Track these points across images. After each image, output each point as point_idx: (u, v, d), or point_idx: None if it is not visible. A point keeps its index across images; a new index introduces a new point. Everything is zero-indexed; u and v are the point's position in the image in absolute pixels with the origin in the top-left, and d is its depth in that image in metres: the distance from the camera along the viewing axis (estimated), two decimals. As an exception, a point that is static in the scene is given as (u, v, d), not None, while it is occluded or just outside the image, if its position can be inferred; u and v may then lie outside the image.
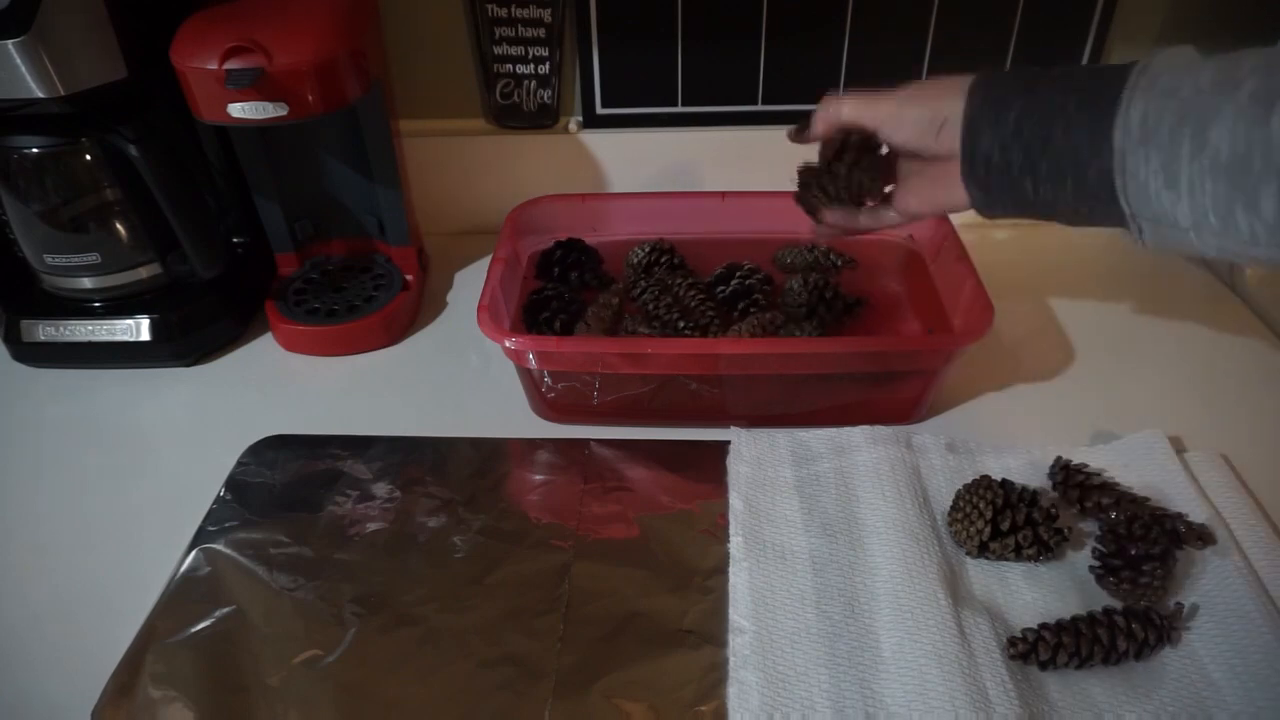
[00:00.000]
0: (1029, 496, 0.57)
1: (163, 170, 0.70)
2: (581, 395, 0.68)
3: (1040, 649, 0.50)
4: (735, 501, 0.61)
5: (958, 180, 0.54)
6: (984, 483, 0.58)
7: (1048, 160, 0.49)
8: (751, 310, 0.74)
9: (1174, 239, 0.48)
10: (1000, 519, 0.56)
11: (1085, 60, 0.85)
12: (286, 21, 0.65)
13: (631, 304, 0.76)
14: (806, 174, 0.63)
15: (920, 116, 0.55)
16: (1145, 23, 0.83)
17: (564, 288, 0.77)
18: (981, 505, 0.57)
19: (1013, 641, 0.51)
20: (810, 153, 0.64)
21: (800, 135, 0.63)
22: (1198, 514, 0.58)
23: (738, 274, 0.76)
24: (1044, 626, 0.51)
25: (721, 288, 0.76)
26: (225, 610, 0.57)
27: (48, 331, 0.76)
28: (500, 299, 0.71)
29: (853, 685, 0.50)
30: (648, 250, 0.79)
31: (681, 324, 0.71)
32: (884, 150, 0.60)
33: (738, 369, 0.66)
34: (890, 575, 0.56)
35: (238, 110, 0.64)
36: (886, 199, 0.62)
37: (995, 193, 0.53)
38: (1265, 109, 0.42)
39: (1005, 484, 0.58)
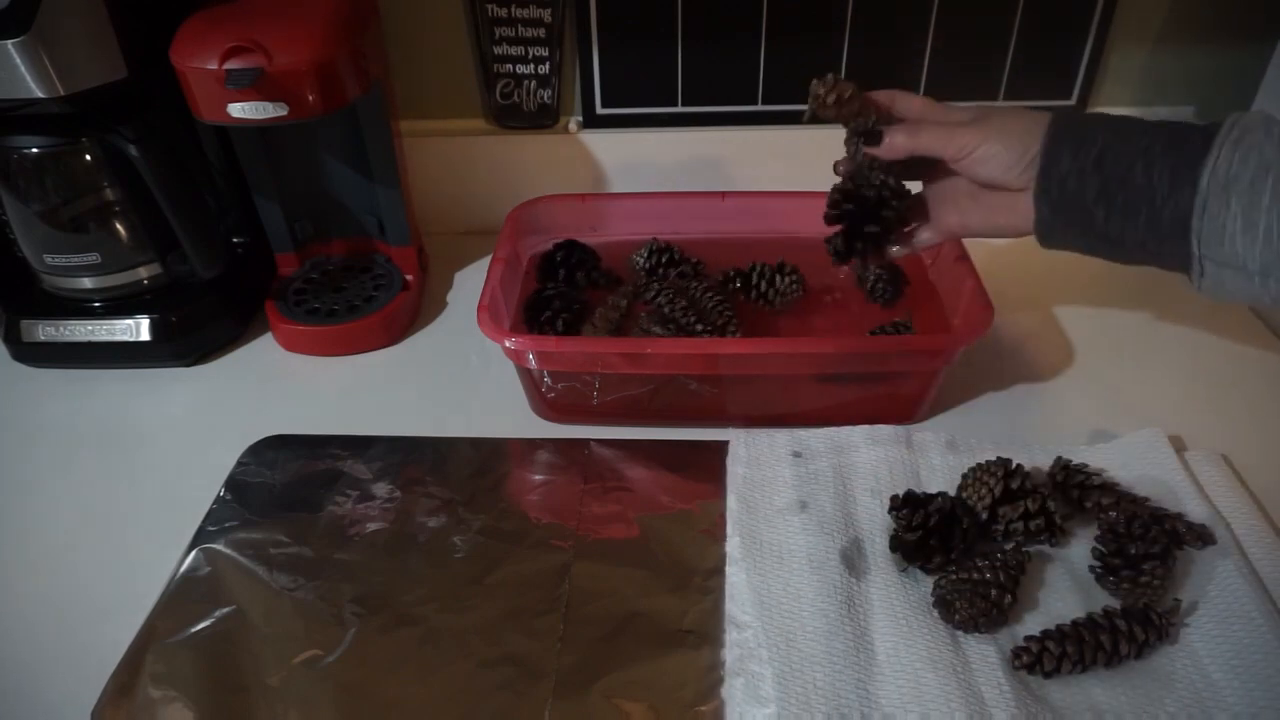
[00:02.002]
0: (1034, 484, 0.59)
1: (163, 170, 0.70)
2: (581, 395, 0.68)
3: (1045, 660, 0.50)
4: (732, 503, 0.61)
5: (1020, 205, 0.57)
6: (994, 461, 0.59)
7: (1124, 194, 0.53)
8: (763, 298, 0.75)
9: (1235, 284, 0.52)
10: (1011, 480, 0.57)
11: (1085, 60, 0.85)
12: (286, 21, 0.65)
13: (645, 305, 0.76)
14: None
15: (1007, 155, 0.56)
16: (1145, 22, 0.83)
17: (567, 288, 0.77)
18: (993, 467, 0.59)
19: (1017, 654, 0.51)
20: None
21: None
22: (1198, 514, 0.58)
23: (764, 273, 0.76)
24: (1047, 635, 0.51)
25: (739, 283, 0.77)
26: (225, 610, 0.57)
27: (48, 331, 0.76)
28: (500, 299, 0.71)
29: (849, 685, 0.50)
30: (648, 254, 0.79)
31: (699, 326, 0.71)
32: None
33: (737, 369, 0.66)
34: (885, 584, 0.56)
35: (238, 110, 0.64)
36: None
37: (1063, 215, 0.56)
38: None
39: (1016, 466, 0.59)
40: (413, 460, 0.67)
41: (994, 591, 0.53)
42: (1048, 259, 0.88)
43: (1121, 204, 0.53)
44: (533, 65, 0.86)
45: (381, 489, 0.65)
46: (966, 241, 0.74)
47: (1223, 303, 0.55)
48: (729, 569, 0.57)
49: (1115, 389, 0.72)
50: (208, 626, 0.56)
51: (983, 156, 0.57)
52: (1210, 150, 0.50)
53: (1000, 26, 0.83)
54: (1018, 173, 0.56)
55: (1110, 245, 0.56)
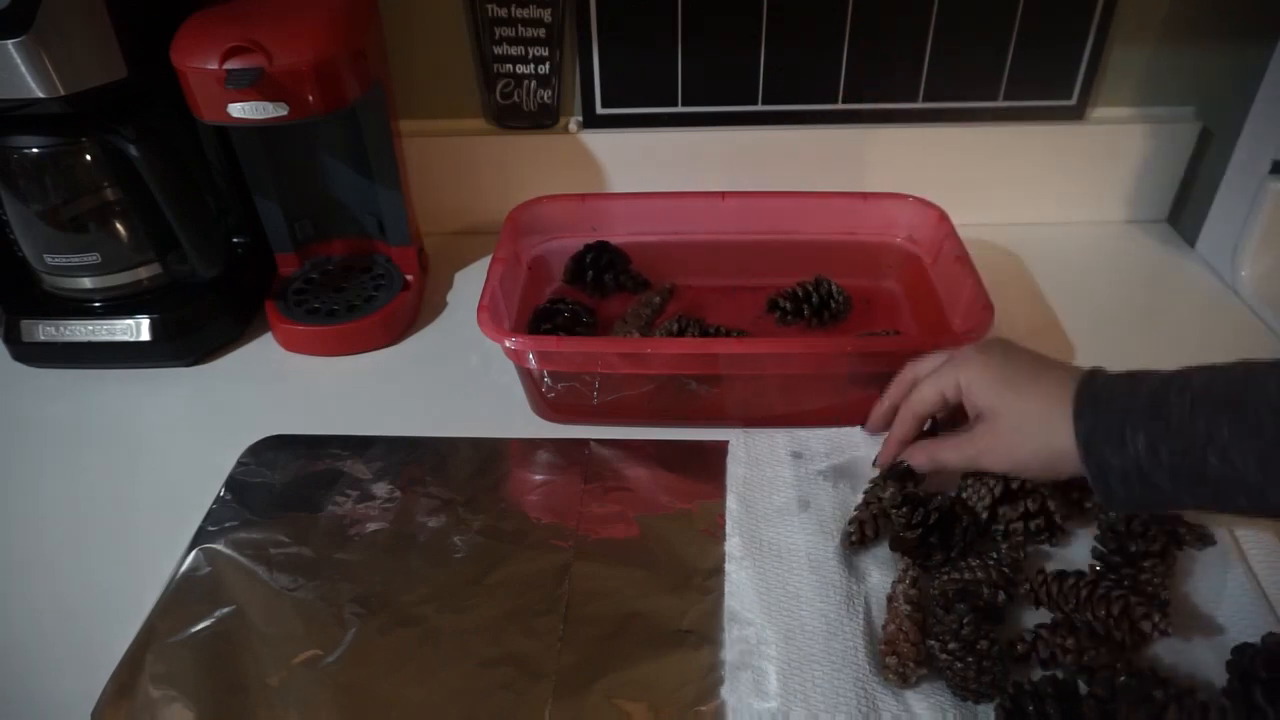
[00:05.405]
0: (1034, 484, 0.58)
1: (163, 170, 0.70)
2: (581, 395, 0.68)
3: (1040, 648, 0.50)
4: (732, 503, 0.61)
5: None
6: None
7: (1209, 486, 0.46)
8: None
9: None
10: (1011, 480, 0.57)
11: (1085, 60, 0.85)
12: (286, 21, 0.65)
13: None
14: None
15: (1035, 461, 0.52)
16: (1145, 23, 0.83)
17: (583, 295, 0.77)
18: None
19: (1012, 644, 0.51)
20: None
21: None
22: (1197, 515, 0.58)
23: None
24: (1041, 626, 0.51)
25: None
26: (225, 610, 0.57)
27: (48, 331, 0.76)
28: (500, 299, 0.71)
29: (849, 684, 0.50)
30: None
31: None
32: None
33: (737, 369, 0.66)
34: (882, 581, 0.56)
35: (238, 110, 0.64)
36: None
37: (1140, 505, 0.51)
38: None
39: None
40: (413, 460, 0.67)
41: (987, 590, 0.53)
42: (1048, 259, 0.88)
43: (1211, 495, 0.47)
44: (533, 65, 0.86)
45: (381, 489, 0.65)
46: (966, 241, 0.74)
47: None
48: (729, 567, 0.57)
49: (1115, 389, 0.72)
50: (208, 626, 0.56)
51: (1006, 469, 0.54)
52: None
53: (1000, 26, 0.83)
54: (1054, 472, 0.52)
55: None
